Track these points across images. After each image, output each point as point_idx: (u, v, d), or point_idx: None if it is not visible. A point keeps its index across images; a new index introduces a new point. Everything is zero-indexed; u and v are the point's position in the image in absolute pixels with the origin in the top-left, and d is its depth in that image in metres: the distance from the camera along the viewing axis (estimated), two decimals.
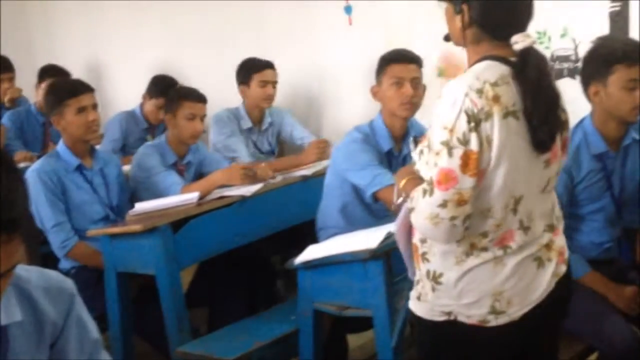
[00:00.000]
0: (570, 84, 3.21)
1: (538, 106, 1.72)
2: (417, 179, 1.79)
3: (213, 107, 3.79)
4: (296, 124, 3.99)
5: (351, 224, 2.91)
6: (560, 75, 3.26)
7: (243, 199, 3.16)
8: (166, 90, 3.88)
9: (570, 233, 2.59)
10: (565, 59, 3.23)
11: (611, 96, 2.41)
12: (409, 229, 1.87)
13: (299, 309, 2.62)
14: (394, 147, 2.98)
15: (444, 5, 1.84)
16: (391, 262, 2.42)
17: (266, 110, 3.98)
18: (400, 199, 1.86)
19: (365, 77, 3.77)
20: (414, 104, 2.88)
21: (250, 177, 3.24)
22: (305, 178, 3.46)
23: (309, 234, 3.12)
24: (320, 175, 3.34)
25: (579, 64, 3.14)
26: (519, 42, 1.74)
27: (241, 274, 3.38)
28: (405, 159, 3.02)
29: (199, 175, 3.57)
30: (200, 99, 3.49)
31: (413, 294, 1.89)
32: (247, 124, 3.92)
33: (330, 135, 4.06)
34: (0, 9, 5.40)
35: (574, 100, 2.97)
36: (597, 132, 2.51)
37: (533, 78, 1.72)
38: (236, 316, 3.11)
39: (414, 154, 1.84)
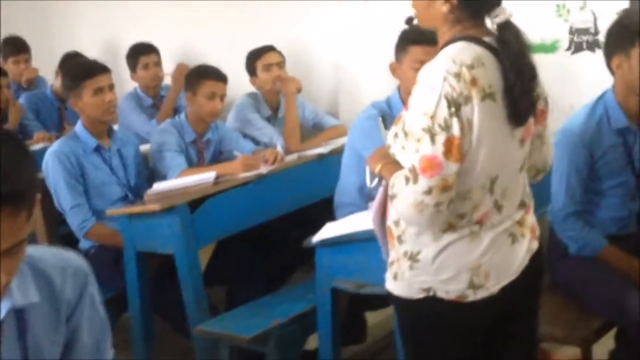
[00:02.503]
0: (590, 57, 3.17)
1: (521, 77, 1.71)
2: (394, 164, 1.77)
3: (230, 91, 3.78)
4: (307, 104, 3.95)
5: (369, 202, 2.90)
6: (579, 48, 3.21)
7: (260, 178, 3.16)
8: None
9: (590, 208, 2.57)
10: (585, 31, 3.18)
11: (633, 69, 2.36)
12: (383, 212, 1.86)
13: (316, 287, 2.62)
14: None
15: None
16: None
17: (281, 97, 3.92)
18: (374, 182, 1.84)
19: (382, 55, 3.75)
20: None
21: (254, 166, 3.21)
22: (321, 156, 3.46)
23: (326, 212, 3.12)
24: (337, 153, 3.33)
25: (599, 37, 3.11)
26: (499, 15, 1.73)
27: (259, 252, 3.39)
28: None
29: (218, 154, 3.58)
30: (220, 78, 3.50)
31: (388, 275, 1.88)
32: (266, 112, 3.88)
33: (346, 114, 4.04)
34: None
35: (593, 73, 2.95)
36: (618, 106, 2.47)
37: (516, 49, 1.72)
38: (254, 294, 3.12)
39: (388, 137, 1.82)
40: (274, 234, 3.46)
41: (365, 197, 2.94)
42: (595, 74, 2.76)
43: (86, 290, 1.46)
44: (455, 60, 1.69)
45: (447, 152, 1.66)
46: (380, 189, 1.83)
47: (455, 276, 1.77)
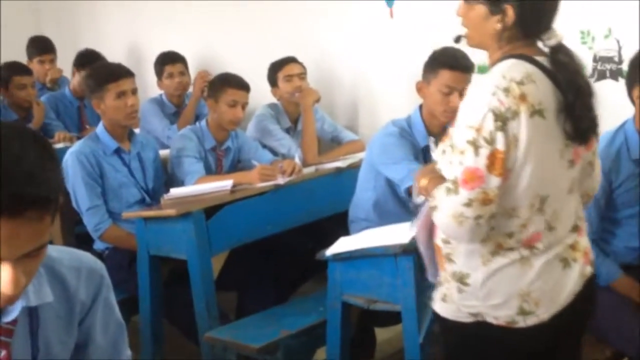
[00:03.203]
0: (613, 86, 3.16)
1: (581, 96, 1.72)
2: (439, 178, 1.77)
3: (250, 101, 3.80)
4: (326, 118, 3.97)
5: (383, 218, 2.91)
6: (602, 76, 3.20)
7: (276, 189, 3.17)
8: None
9: (605, 237, 2.56)
10: (609, 60, 3.17)
11: None
12: (430, 229, 1.86)
13: (327, 300, 2.63)
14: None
15: (472, 5, 1.80)
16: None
17: (302, 109, 3.92)
18: (421, 198, 1.86)
19: (405, 72, 3.76)
20: (456, 112, 2.85)
21: (271, 176, 3.22)
22: (339, 170, 3.47)
23: (340, 225, 3.13)
24: (354, 168, 3.34)
25: (623, 66, 3.10)
26: (552, 37, 1.76)
27: (271, 262, 3.40)
28: None
29: (237, 162, 3.60)
30: (243, 86, 3.53)
31: (437, 295, 1.89)
32: (286, 123, 3.90)
33: (365, 129, 4.05)
34: None
35: (616, 102, 2.95)
36: (638, 136, 2.47)
37: (573, 69, 1.74)
38: (264, 304, 3.13)
39: (435, 154, 1.84)
40: (287, 245, 3.47)
41: (379, 212, 2.96)
42: (618, 103, 2.75)
43: (100, 292, 1.46)
44: (505, 76, 1.70)
45: (490, 165, 1.66)
46: (426, 205, 1.83)
47: (505, 302, 1.77)
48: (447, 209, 1.70)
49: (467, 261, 1.78)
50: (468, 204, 1.67)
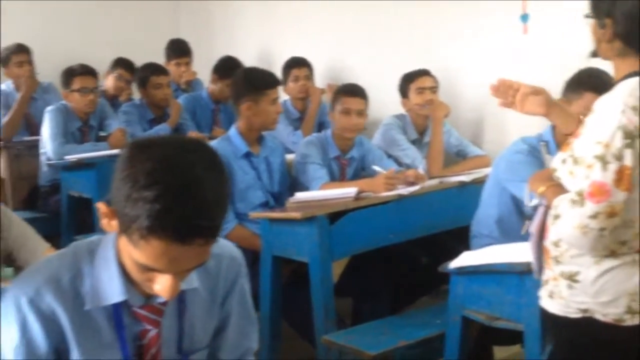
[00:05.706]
0: None
1: None
2: (558, 187, 1.83)
3: (375, 108, 3.83)
4: (453, 131, 3.95)
5: (506, 235, 2.87)
6: None
7: (400, 198, 3.19)
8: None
9: None
10: None
11: None
12: (541, 230, 1.92)
13: (447, 313, 2.62)
14: None
15: (590, 20, 1.88)
16: None
17: (429, 122, 3.92)
18: (535, 202, 1.91)
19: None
20: None
21: (395, 185, 3.24)
22: (462, 184, 3.45)
23: (459, 240, 3.11)
24: (478, 183, 3.32)
25: None
26: None
27: (389, 272, 3.41)
28: None
29: (360, 170, 3.65)
30: (355, 93, 3.56)
31: (543, 292, 1.94)
32: (412, 134, 3.92)
33: (490, 145, 4.01)
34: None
35: None
36: None
37: None
38: (380, 313, 3.15)
39: (555, 161, 1.88)
40: (406, 256, 3.48)
41: (503, 229, 2.92)
42: None
43: (238, 281, 1.55)
44: (632, 93, 1.75)
45: (618, 180, 1.72)
46: (541, 209, 1.90)
47: (614, 300, 1.82)
48: (572, 220, 1.76)
49: (577, 260, 1.83)
50: (594, 216, 1.73)
